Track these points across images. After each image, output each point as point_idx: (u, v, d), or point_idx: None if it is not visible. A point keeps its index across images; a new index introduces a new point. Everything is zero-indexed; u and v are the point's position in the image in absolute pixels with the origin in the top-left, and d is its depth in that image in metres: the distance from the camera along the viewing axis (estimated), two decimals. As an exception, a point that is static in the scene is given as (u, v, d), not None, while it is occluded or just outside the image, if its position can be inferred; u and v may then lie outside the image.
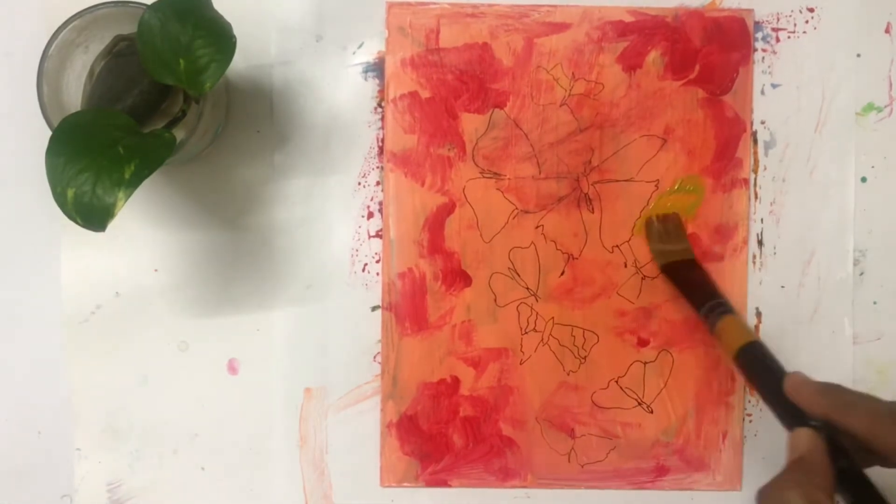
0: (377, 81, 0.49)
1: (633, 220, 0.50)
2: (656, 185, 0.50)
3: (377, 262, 0.50)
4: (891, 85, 0.50)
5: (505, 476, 0.50)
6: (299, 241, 0.50)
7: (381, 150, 0.49)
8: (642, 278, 0.50)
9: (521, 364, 0.50)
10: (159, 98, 0.43)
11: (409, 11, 0.49)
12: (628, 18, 0.49)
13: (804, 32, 0.50)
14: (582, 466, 0.50)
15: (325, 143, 0.49)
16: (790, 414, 0.40)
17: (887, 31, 0.50)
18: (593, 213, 0.50)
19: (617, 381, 0.50)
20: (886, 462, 0.37)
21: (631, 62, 0.49)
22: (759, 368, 0.43)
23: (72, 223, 0.38)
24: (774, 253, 0.50)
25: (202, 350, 0.50)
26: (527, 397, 0.50)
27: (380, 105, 0.49)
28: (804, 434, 0.38)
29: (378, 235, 0.50)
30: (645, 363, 0.50)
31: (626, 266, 0.50)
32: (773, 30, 0.50)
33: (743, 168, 0.50)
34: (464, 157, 0.49)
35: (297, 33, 0.49)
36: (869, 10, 0.50)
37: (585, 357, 0.50)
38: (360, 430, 0.50)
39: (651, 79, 0.49)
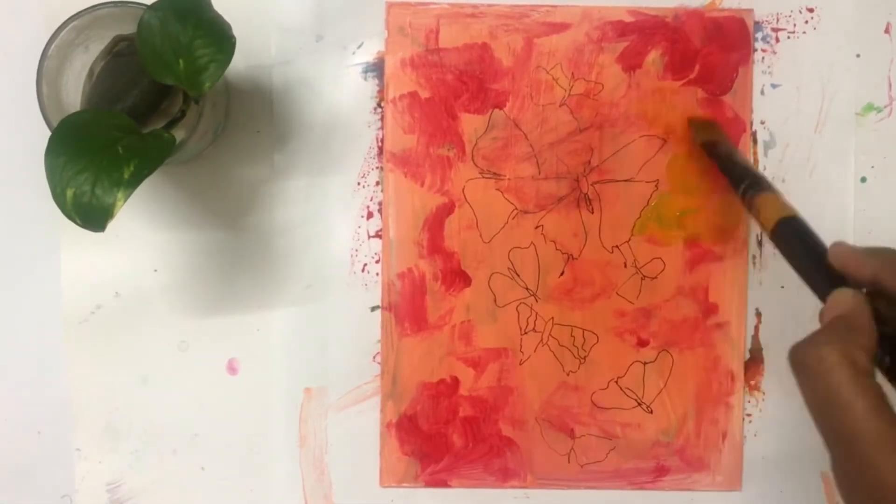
0: (377, 81, 0.49)
1: (632, 220, 0.50)
2: (656, 186, 0.50)
3: (377, 262, 0.50)
4: (890, 85, 0.50)
5: (504, 476, 0.50)
6: (299, 241, 0.50)
7: (380, 151, 0.49)
8: (642, 278, 0.50)
9: (520, 364, 0.50)
10: (159, 98, 0.43)
11: (408, 11, 0.49)
12: (628, 18, 0.49)
13: (804, 32, 0.50)
14: (582, 467, 0.50)
15: (325, 143, 0.49)
16: (832, 284, 0.37)
17: (887, 31, 0.50)
18: (593, 213, 0.50)
19: (617, 382, 0.50)
20: None
21: (631, 62, 0.49)
22: (799, 240, 0.40)
23: (71, 223, 0.38)
24: (774, 253, 0.50)
25: (202, 350, 0.50)
26: (526, 397, 0.50)
27: (379, 105, 0.49)
28: (847, 293, 0.35)
29: (378, 235, 0.50)
30: (645, 363, 0.50)
31: (625, 266, 0.50)
32: (773, 30, 0.50)
33: (743, 168, 0.50)
34: (463, 158, 0.49)
35: (297, 33, 0.49)
36: (868, 10, 0.50)
37: (585, 357, 0.50)
38: (360, 431, 0.50)
39: (651, 79, 0.49)
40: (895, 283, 0.34)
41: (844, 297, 0.35)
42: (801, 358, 0.33)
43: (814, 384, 0.32)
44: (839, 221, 0.50)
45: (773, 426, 0.50)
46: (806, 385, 0.32)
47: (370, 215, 0.50)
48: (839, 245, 0.38)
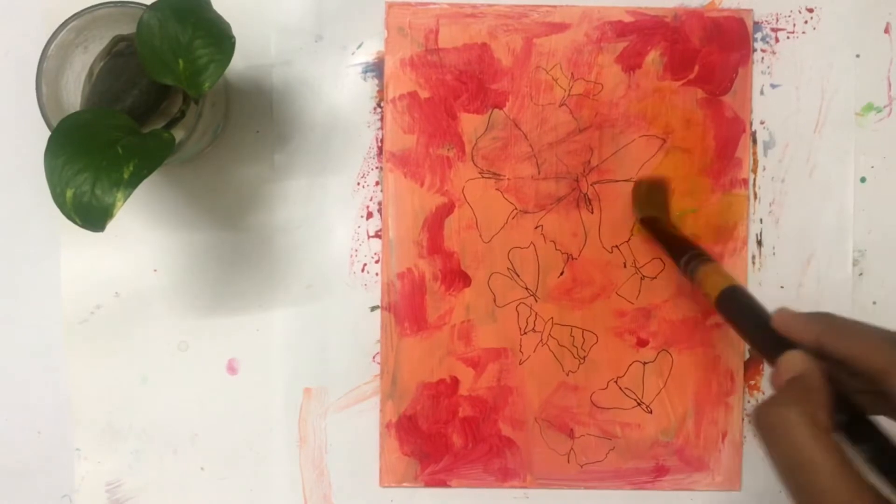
0: (376, 81, 0.49)
1: (632, 220, 0.50)
2: (656, 186, 0.50)
3: (376, 262, 0.50)
4: (890, 85, 0.50)
5: (504, 476, 0.50)
6: (299, 241, 0.50)
7: (380, 151, 0.50)
8: (641, 278, 0.50)
9: (520, 364, 0.50)
10: (158, 98, 0.43)
11: (408, 11, 0.49)
12: (628, 18, 0.49)
13: (803, 33, 0.50)
14: (581, 467, 0.50)
15: (325, 143, 0.50)
16: (779, 349, 0.38)
17: (886, 31, 0.50)
18: (592, 213, 0.50)
19: (616, 382, 0.50)
20: (877, 382, 0.35)
21: (630, 62, 0.49)
22: (743, 309, 0.41)
23: (71, 223, 0.38)
24: (774, 253, 0.50)
25: (202, 350, 0.50)
26: (526, 397, 0.50)
27: (379, 105, 0.50)
28: (797, 355, 0.36)
29: (377, 235, 0.50)
30: (644, 363, 0.50)
31: (625, 266, 0.50)
32: (773, 30, 0.50)
33: (742, 168, 0.50)
34: (463, 158, 0.49)
35: (297, 33, 0.49)
36: (868, 10, 0.50)
37: (585, 357, 0.50)
38: (360, 431, 0.50)
39: (650, 79, 0.49)
40: (836, 346, 0.36)
41: (795, 360, 0.36)
42: (765, 419, 0.34)
43: (778, 444, 0.33)
44: (839, 221, 0.50)
45: (773, 426, 0.50)
46: (771, 445, 0.33)
47: (370, 215, 0.50)
48: (783, 311, 0.39)
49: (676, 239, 0.47)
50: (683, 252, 0.46)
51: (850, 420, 0.35)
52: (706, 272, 0.44)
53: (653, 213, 0.49)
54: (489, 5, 0.49)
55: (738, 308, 0.42)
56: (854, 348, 0.36)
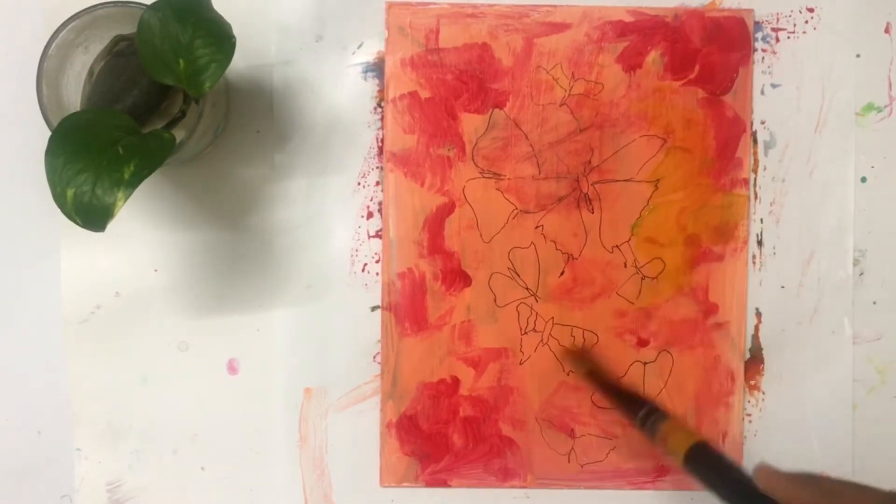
0: (377, 81, 0.49)
1: (632, 220, 0.50)
2: (656, 186, 0.50)
3: (377, 262, 0.50)
4: (890, 85, 0.50)
5: (505, 476, 0.50)
6: (299, 241, 0.50)
7: (380, 151, 0.49)
8: (642, 278, 0.50)
9: (520, 364, 0.50)
10: (159, 98, 0.43)
11: (408, 11, 0.49)
12: (628, 18, 0.49)
13: (804, 32, 0.50)
14: (582, 466, 0.50)
15: (325, 143, 0.49)
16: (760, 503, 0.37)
17: (887, 31, 0.50)
18: (593, 213, 0.50)
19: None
20: None
21: (631, 62, 0.49)
22: (714, 466, 0.40)
23: (71, 223, 0.38)
24: (774, 253, 0.50)
25: (202, 350, 0.50)
26: (526, 397, 0.50)
27: (379, 105, 0.49)
28: None
29: (378, 235, 0.50)
30: (645, 363, 0.50)
31: (625, 266, 0.50)
32: (773, 30, 0.50)
33: (743, 168, 0.50)
34: (463, 157, 0.49)
35: (297, 33, 0.49)
36: (869, 10, 0.50)
37: (585, 357, 0.50)
38: (360, 431, 0.50)
39: (651, 79, 0.49)
40: None
41: None
42: None
43: None
44: (839, 221, 0.50)
45: (773, 426, 0.50)
46: None
47: (370, 215, 0.50)
48: (764, 468, 0.37)
49: (628, 393, 0.46)
50: (639, 406, 0.44)
51: None
52: (668, 429, 0.42)
53: (595, 368, 0.48)
54: (490, 5, 0.49)
55: (707, 465, 0.40)
56: None
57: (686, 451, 0.41)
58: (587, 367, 0.49)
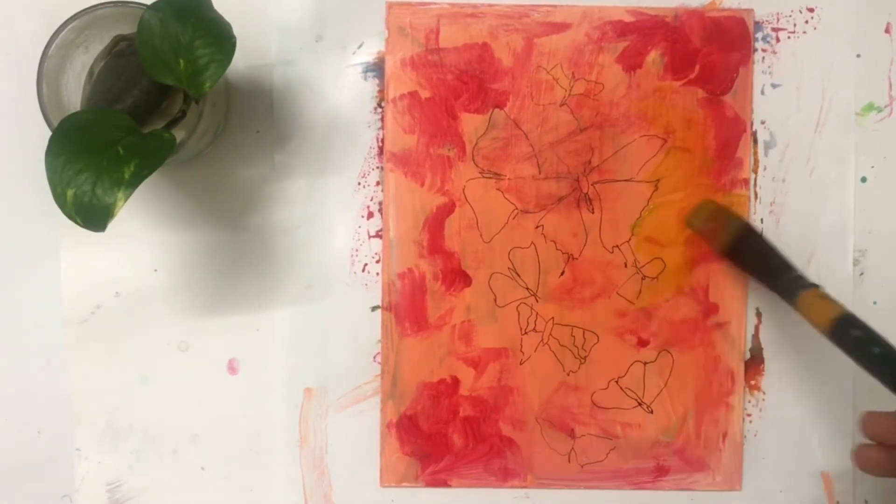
0: (377, 81, 0.49)
1: (633, 220, 0.50)
2: (656, 186, 0.50)
3: (377, 262, 0.50)
4: (891, 85, 0.50)
5: (505, 476, 0.50)
6: (299, 241, 0.50)
7: (380, 150, 0.49)
8: (642, 278, 0.50)
9: (520, 364, 0.50)
10: (159, 98, 0.43)
11: (408, 11, 0.49)
12: (628, 18, 0.49)
13: (804, 32, 0.50)
14: (582, 466, 0.50)
15: (325, 143, 0.49)
16: None
17: (887, 31, 0.50)
18: (593, 213, 0.50)
19: (617, 382, 0.50)
20: None
21: (631, 62, 0.49)
22: (859, 340, 0.40)
23: (71, 223, 0.38)
24: (774, 253, 0.50)
25: (202, 350, 0.50)
26: (527, 397, 0.50)
27: (380, 105, 0.49)
28: None
29: (378, 235, 0.50)
30: (645, 363, 0.50)
31: (626, 266, 0.50)
32: (773, 30, 0.50)
33: (743, 168, 0.50)
34: (463, 157, 0.49)
35: (297, 33, 0.49)
36: (869, 10, 0.50)
37: (585, 357, 0.50)
38: (360, 431, 0.50)
39: (651, 79, 0.49)
40: None
41: None
42: None
43: None
44: (839, 221, 0.50)
45: (773, 426, 0.50)
46: None
47: (370, 215, 0.50)
48: (871, 415, 0.38)
49: (766, 263, 0.46)
50: (778, 275, 0.45)
51: None
52: (813, 297, 0.43)
53: (721, 226, 0.48)
54: (490, 5, 0.49)
55: (853, 339, 0.41)
56: None
57: (831, 323, 0.41)
58: (723, 242, 0.48)
